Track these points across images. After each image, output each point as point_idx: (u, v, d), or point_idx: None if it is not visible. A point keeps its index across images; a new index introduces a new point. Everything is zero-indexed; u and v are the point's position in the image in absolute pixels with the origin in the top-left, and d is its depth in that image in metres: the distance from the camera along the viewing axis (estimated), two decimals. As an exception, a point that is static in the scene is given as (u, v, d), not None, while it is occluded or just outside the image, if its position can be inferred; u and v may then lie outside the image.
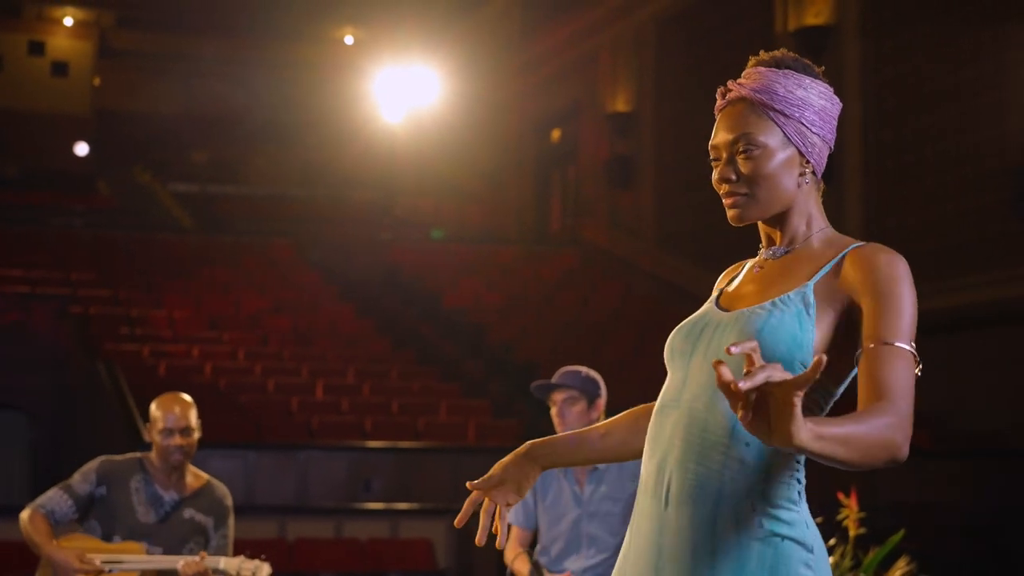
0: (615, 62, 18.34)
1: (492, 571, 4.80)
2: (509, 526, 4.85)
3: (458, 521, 2.30)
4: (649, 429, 2.15)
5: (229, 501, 4.69)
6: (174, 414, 4.55)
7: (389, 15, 23.12)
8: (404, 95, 20.76)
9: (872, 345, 1.98)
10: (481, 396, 12.88)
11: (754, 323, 2.05)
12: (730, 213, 2.18)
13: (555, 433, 4.78)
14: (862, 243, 2.14)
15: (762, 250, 2.26)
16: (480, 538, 2.26)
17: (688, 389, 2.10)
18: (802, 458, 2.04)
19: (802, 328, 2.04)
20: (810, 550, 2.03)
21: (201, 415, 11.43)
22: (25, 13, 26.87)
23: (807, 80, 2.19)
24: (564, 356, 7.82)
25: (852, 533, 4.73)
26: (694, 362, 2.12)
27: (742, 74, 2.22)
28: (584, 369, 4.66)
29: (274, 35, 26.14)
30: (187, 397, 4.67)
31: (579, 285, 17.20)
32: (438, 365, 13.94)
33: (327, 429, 11.07)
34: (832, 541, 4.89)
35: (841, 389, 2.13)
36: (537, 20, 20.45)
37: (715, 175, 2.19)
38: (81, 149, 27.30)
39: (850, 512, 4.76)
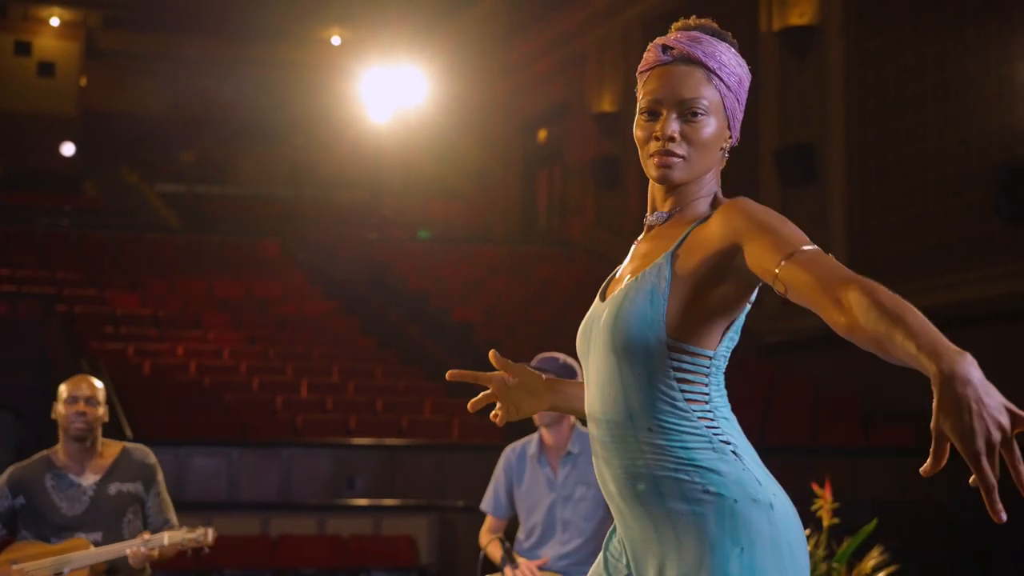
0: (601, 63, 18.37)
1: (474, 567, 4.83)
2: (486, 515, 4.91)
3: (472, 405, 2.49)
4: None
5: (151, 459, 4.60)
6: (79, 386, 4.52)
7: (376, 16, 23.12)
8: (391, 95, 20.77)
9: (782, 263, 1.90)
10: (466, 395, 12.89)
11: (612, 313, 2.10)
12: (659, 172, 2.11)
13: (533, 424, 4.84)
14: (728, 201, 2.11)
15: (647, 216, 2.21)
16: (473, 404, 2.47)
17: (590, 391, 2.16)
18: (715, 418, 2.07)
19: (653, 305, 2.05)
20: (756, 499, 2.02)
21: (186, 413, 11.38)
22: (11, 13, 26.83)
23: (736, 54, 2.20)
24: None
25: (826, 523, 4.76)
26: (590, 362, 2.16)
27: (679, 34, 2.18)
28: (562, 356, 4.71)
29: (261, 35, 26.14)
30: (97, 382, 4.61)
31: (565, 285, 17.23)
32: (423, 364, 13.96)
33: (311, 427, 11.09)
34: (807, 532, 4.93)
35: (736, 334, 2.15)
36: (524, 21, 20.48)
37: (650, 129, 2.12)
38: (68, 149, 27.27)
39: (824, 503, 4.79)
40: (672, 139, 2.11)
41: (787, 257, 1.92)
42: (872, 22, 13.48)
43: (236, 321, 14.54)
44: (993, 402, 1.64)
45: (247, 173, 26.29)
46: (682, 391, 2.06)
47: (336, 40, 27.04)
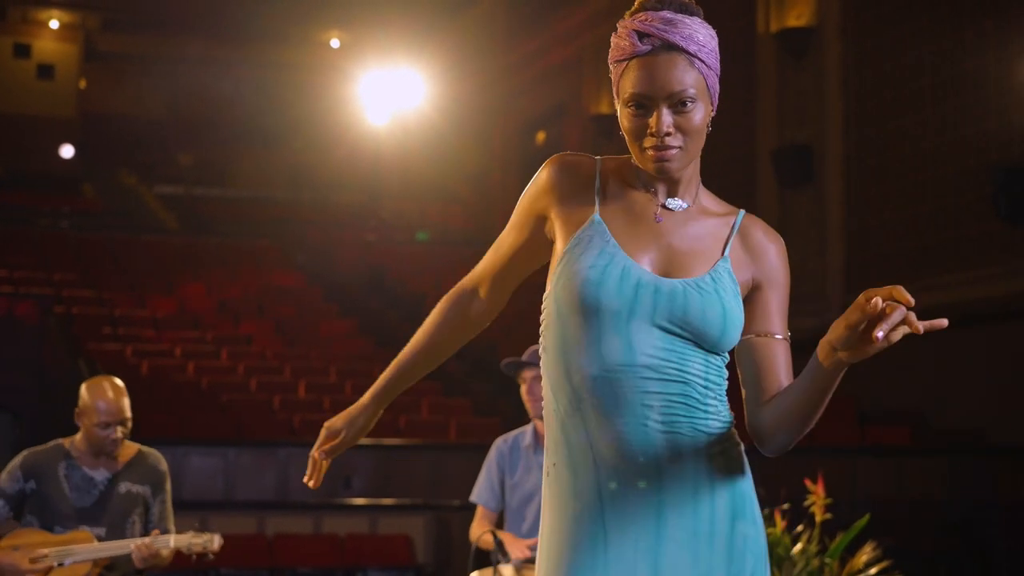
0: (599, 64, 18.38)
1: (470, 566, 4.82)
2: (476, 505, 4.90)
3: (312, 481, 2.48)
4: (591, 394, 2.13)
5: (163, 466, 4.62)
6: (111, 406, 4.46)
7: (374, 18, 23.15)
8: (389, 98, 20.79)
9: (781, 337, 2.22)
10: (463, 395, 12.91)
11: (715, 306, 2.13)
12: (659, 165, 2.14)
13: (526, 414, 4.83)
14: (745, 212, 2.27)
15: (651, 194, 2.22)
16: (315, 480, 2.46)
17: (644, 353, 2.11)
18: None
19: (740, 310, 2.18)
20: (738, 443, 2.21)
21: (183, 413, 11.38)
22: (10, 16, 26.85)
23: (705, 24, 2.20)
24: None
25: (818, 519, 4.77)
26: (639, 327, 2.11)
27: (651, 18, 2.17)
28: None
29: (259, 38, 26.15)
30: (119, 384, 4.56)
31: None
32: (421, 365, 13.93)
33: (309, 427, 11.09)
34: (800, 527, 4.93)
35: None
36: (522, 23, 20.50)
37: (641, 123, 2.13)
38: (67, 151, 27.29)
39: (817, 499, 4.80)
40: (668, 133, 2.13)
41: (786, 338, 2.22)
42: (869, 23, 13.50)
43: (234, 322, 14.55)
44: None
45: (246, 175, 26.30)
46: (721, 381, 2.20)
47: (335, 43, 27.07)
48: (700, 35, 2.16)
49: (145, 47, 26.68)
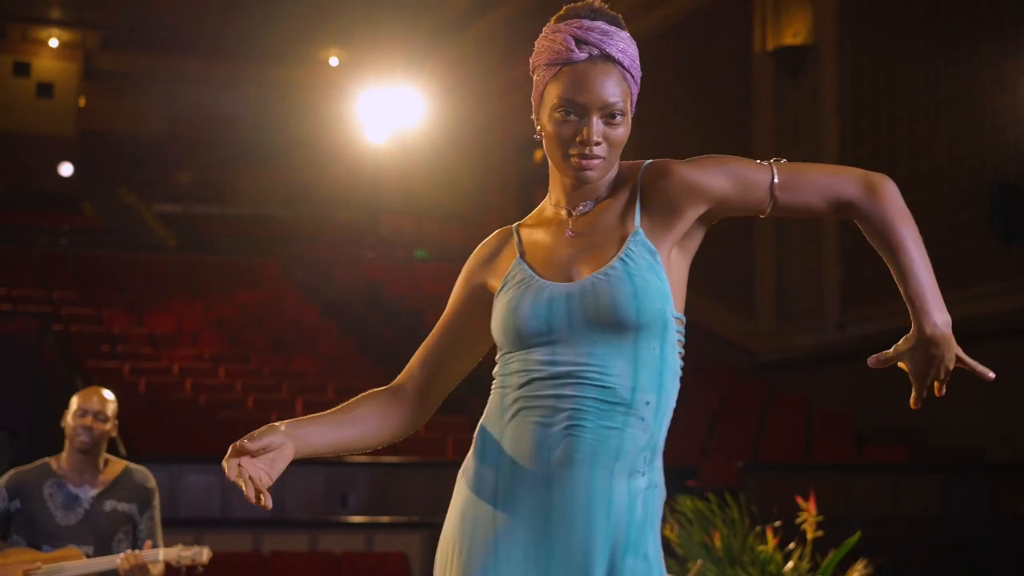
0: (597, 82, 18.43)
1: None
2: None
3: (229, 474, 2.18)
4: (518, 400, 2.15)
5: (151, 483, 4.63)
6: (91, 399, 4.54)
7: (374, 37, 23.21)
8: (388, 116, 20.83)
9: (774, 169, 2.20)
10: (460, 412, 12.91)
11: (624, 288, 2.11)
12: (581, 174, 2.16)
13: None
14: (646, 165, 2.23)
15: (555, 210, 2.25)
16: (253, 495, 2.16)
17: (566, 359, 2.11)
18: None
19: (659, 278, 2.14)
20: (663, 490, 2.18)
21: (180, 431, 11.37)
22: (10, 34, 26.92)
23: (630, 36, 2.23)
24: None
25: (810, 536, 4.78)
26: (559, 339, 2.13)
27: (587, 26, 2.19)
28: None
29: (259, 56, 26.22)
30: (109, 395, 4.62)
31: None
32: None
33: (306, 445, 11.08)
34: (791, 545, 4.95)
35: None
36: (520, 42, 20.54)
37: (571, 130, 2.16)
38: (66, 170, 27.32)
39: (808, 516, 4.82)
40: (598, 143, 2.15)
41: (774, 162, 2.20)
42: (865, 41, 13.55)
43: (232, 340, 14.56)
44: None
45: (245, 193, 26.34)
46: (678, 360, 2.19)
47: (334, 61, 27.13)
48: (631, 51, 2.20)
49: (145, 66, 26.75)
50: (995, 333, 11.53)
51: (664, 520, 5.49)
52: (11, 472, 4.57)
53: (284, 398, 12.45)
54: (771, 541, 4.81)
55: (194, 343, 14.29)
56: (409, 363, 2.34)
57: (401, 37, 22.44)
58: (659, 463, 2.16)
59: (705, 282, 15.70)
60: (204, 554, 4.36)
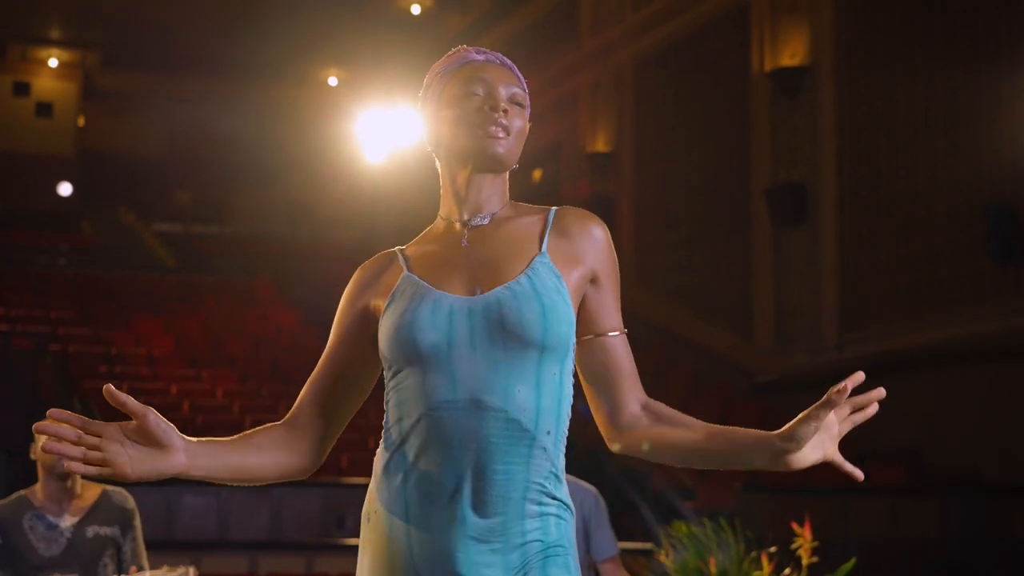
0: (595, 103, 18.47)
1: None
2: None
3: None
4: (418, 433, 2.06)
5: (130, 503, 4.58)
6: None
7: (372, 57, 23.26)
8: (387, 136, 20.86)
9: (617, 333, 2.17)
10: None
11: (532, 305, 2.04)
12: (495, 145, 2.14)
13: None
14: (559, 207, 2.22)
15: (446, 223, 2.21)
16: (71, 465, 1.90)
17: (465, 386, 2.03)
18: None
19: (566, 302, 2.10)
20: (572, 513, 2.13)
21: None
22: (10, 54, 26.97)
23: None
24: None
25: (805, 562, 4.78)
26: (459, 355, 2.04)
27: (476, 48, 2.26)
28: None
29: (258, 75, 26.26)
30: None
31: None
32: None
33: (303, 466, 11.08)
34: (787, 571, 4.94)
35: None
36: (518, 63, 20.45)
37: (479, 102, 2.16)
38: (65, 189, 27.35)
39: (803, 541, 4.81)
40: (506, 111, 2.15)
41: (622, 330, 2.18)
42: (863, 62, 13.57)
43: (230, 360, 14.56)
44: None
45: (244, 212, 26.37)
46: (570, 388, 2.13)
47: (333, 81, 27.18)
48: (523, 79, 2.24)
49: (144, 85, 26.80)
50: (991, 354, 11.53)
51: (659, 545, 5.49)
52: None
53: (282, 418, 12.44)
54: (766, 567, 4.80)
55: (192, 363, 14.28)
56: (298, 401, 2.22)
57: (400, 57, 22.48)
58: (565, 488, 2.11)
59: (703, 302, 15.71)
60: (190, 573, 4.33)
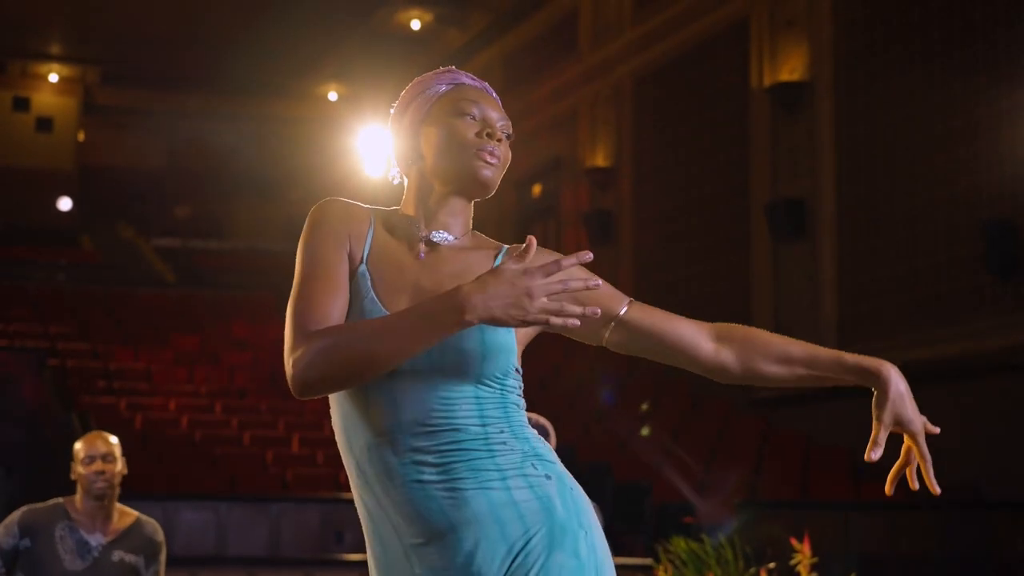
0: (594, 118, 18.50)
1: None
2: None
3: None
4: (369, 465, 2.06)
5: (160, 536, 4.60)
6: (95, 444, 4.51)
7: (372, 72, 23.30)
8: (385, 152, 20.86)
9: (628, 305, 2.24)
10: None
11: (472, 338, 2.04)
12: (486, 172, 2.15)
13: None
14: (511, 246, 2.23)
15: (409, 225, 2.18)
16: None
17: (409, 410, 2.04)
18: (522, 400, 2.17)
19: (510, 336, 2.11)
20: (579, 487, 2.14)
21: (175, 467, 11.35)
22: (10, 69, 27.01)
23: None
24: (542, 409, 7.85)
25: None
26: (400, 379, 2.04)
27: (465, 73, 2.26)
28: (533, 415, 4.70)
29: (258, 91, 26.30)
30: (112, 437, 4.60)
31: (559, 338, 17.20)
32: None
33: (302, 482, 11.07)
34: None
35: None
36: (517, 78, 20.62)
37: (478, 129, 2.17)
38: (65, 204, 27.37)
39: (802, 557, 4.80)
40: (500, 140, 2.18)
41: (630, 301, 2.23)
42: (862, 78, 13.59)
43: (229, 375, 14.55)
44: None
45: (243, 227, 26.39)
46: (519, 400, 2.14)
47: (333, 96, 27.22)
48: None
49: (144, 101, 26.83)
50: (991, 369, 11.53)
51: (658, 561, 5.47)
52: (25, 509, 4.54)
53: (281, 435, 12.43)
54: (766, 582, 4.79)
55: (191, 379, 14.27)
56: (314, 323, 2.05)
57: (399, 72, 22.50)
58: (559, 466, 2.12)
59: (701, 317, 15.64)
60: None
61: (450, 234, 2.18)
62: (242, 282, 20.12)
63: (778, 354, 2.24)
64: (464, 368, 2.05)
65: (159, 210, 26.88)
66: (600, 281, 2.00)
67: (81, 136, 27.80)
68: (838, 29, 13.90)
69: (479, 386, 2.07)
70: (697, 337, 2.26)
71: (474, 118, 2.17)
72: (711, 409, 14.26)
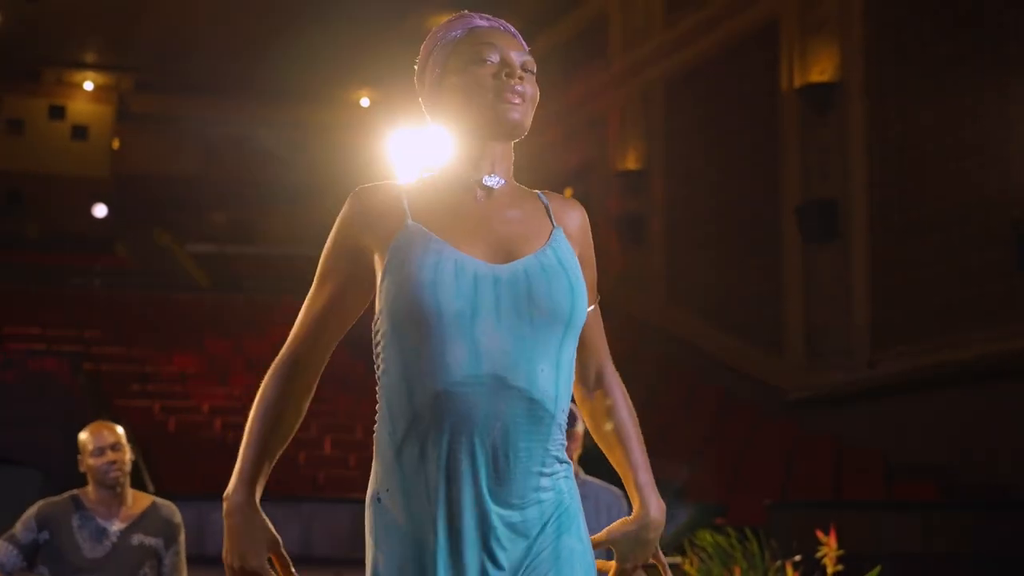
0: (625, 121, 18.51)
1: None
2: None
3: None
4: (433, 413, 1.98)
5: (177, 518, 4.64)
6: (101, 435, 4.54)
7: (404, 78, 23.15)
8: (419, 156, 20.93)
9: (593, 308, 2.17)
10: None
11: (561, 281, 2.03)
12: (513, 112, 2.08)
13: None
14: (543, 192, 2.22)
15: (456, 175, 2.14)
16: None
17: (489, 361, 1.98)
18: None
19: (581, 279, 2.11)
20: (568, 463, 2.16)
21: (209, 469, 11.46)
22: (45, 78, 27.26)
23: None
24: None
25: (830, 571, 4.77)
26: (484, 327, 1.98)
27: (478, 13, 2.20)
28: (571, 406, 4.73)
29: (290, 98, 26.44)
30: (117, 426, 4.63)
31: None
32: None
33: (333, 483, 11.13)
34: (813, 579, 4.94)
35: None
36: (548, 82, 20.59)
37: (492, 70, 2.11)
38: (100, 211, 27.59)
39: (828, 550, 4.81)
40: (521, 77, 2.10)
41: (595, 302, 2.20)
42: (893, 80, 13.55)
43: (261, 378, 14.61)
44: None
45: (277, 233, 26.51)
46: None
47: (365, 102, 27.33)
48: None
49: (177, 108, 27.02)
50: (1023, 371, 11.46)
51: (684, 555, 5.49)
52: (40, 503, 4.58)
53: (314, 436, 12.50)
54: (791, 575, 4.80)
55: (224, 382, 14.36)
56: (300, 337, 2.19)
57: (431, 78, 22.57)
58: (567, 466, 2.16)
59: (733, 320, 15.68)
60: None
61: (500, 177, 2.13)
62: (276, 287, 20.22)
63: (611, 423, 2.24)
64: (555, 320, 2.02)
65: (194, 216, 27.05)
66: None
67: (116, 143, 28.01)
68: (869, 30, 13.86)
69: (562, 349, 2.04)
70: (592, 364, 2.25)
71: (492, 60, 2.10)
72: (742, 411, 14.24)
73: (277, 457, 2.18)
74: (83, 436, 4.57)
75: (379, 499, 2.05)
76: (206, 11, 22.75)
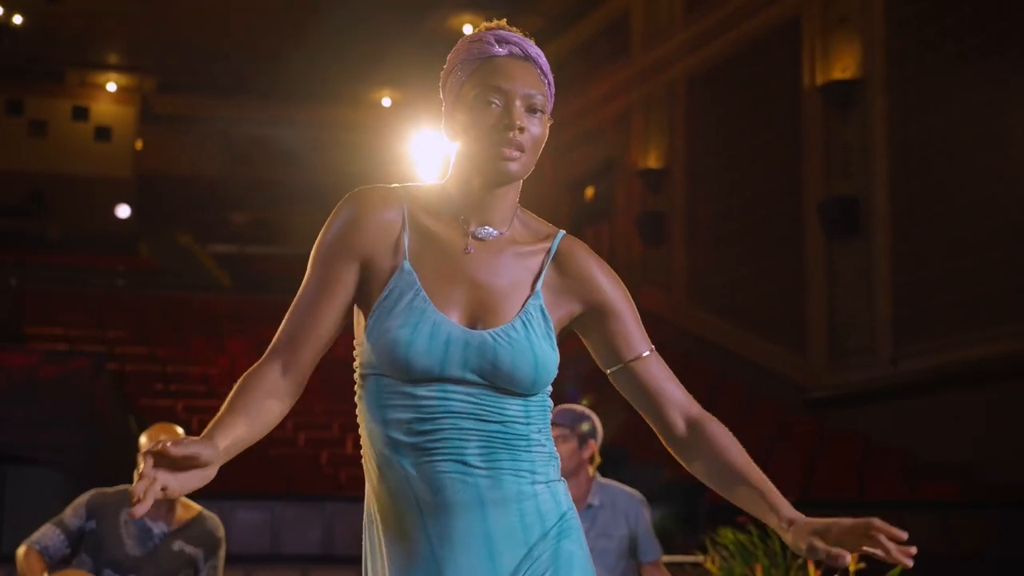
0: (646, 120, 18.48)
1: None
2: None
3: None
4: (408, 436, 2.07)
5: (220, 532, 4.65)
6: (159, 437, 4.41)
7: (426, 78, 23.31)
8: (440, 156, 20.95)
9: (649, 353, 2.20)
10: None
11: (525, 356, 2.08)
12: (508, 165, 2.07)
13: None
14: (564, 234, 2.21)
15: (452, 215, 2.15)
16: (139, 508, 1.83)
17: (458, 399, 2.07)
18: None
19: (553, 347, 2.15)
20: (561, 479, 2.21)
21: (231, 468, 11.47)
22: (69, 79, 27.39)
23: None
24: (601, 407, 7.87)
25: (852, 568, 4.75)
26: (450, 379, 2.07)
27: (505, 30, 2.16)
28: (579, 408, 4.71)
29: (313, 97, 26.50)
30: (178, 428, 4.62)
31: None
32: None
33: (356, 482, 11.13)
34: (834, 577, 4.92)
35: None
36: (569, 80, 20.65)
37: (496, 118, 2.08)
38: (123, 211, 27.71)
39: (850, 548, 4.77)
40: (522, 129, 2.08)
41: (652, 349, 2.21)
42: (914, 76, 13.49)
43: (284, 378, 14.65)
44: None
45: (299, 233, 26.54)
46: (551, 403, 2.20)
47: (387, 102, 27.37)
48: (548, 65, 2.17)
49: (200, 109, 27.11)
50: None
51: (705, 552, 5.47)
52: (93, 492, 4.61)
53: (335, 435, 12.52)
54: (812, 573, 4.77)
55: (246, 381, 14.40)
56: (289, 338, 2.21)
57: (452, 77, 22.59)
58: (556, 462, 2.18)
59: (756, 318, 15.64)
60: None
61: (495, 228, 2.14)
62: (297, 287, 20.21)
63: (723, 464, 2.18)
64: (515, 388, 2.10)
65: (216, 217, 27.13)
66: None
67: (139, 144, 28.13)
68: (890, 26, 13.80)
69: (513, 405, 2.12)
70: (676, 415, 2.22)
71: (496, 104, 2.08)
72: (765, 409, 14.20)
73: (236, 450, 2.09)
74: (143, 438, 4.58)
75: (373, 520, 2.16)
76: (227, 12, 22.82)
